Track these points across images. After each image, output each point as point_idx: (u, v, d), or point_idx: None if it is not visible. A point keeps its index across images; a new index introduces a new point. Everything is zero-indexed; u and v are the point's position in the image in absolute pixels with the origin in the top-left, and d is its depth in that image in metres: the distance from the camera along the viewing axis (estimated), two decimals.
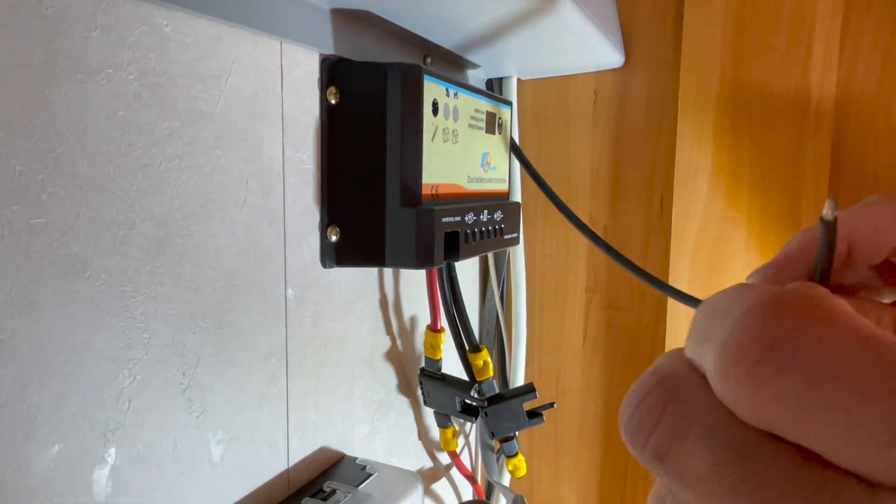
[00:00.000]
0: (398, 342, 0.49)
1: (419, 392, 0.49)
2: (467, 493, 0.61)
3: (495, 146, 0.48)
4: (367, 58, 0.39)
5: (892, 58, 0.47)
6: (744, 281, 0.18)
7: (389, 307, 0.47)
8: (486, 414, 0.45)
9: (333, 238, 0.38)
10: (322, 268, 0.39)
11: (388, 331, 0.47)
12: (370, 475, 0.39)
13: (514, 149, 0.51)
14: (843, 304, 0.12)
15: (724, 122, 0.52)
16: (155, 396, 0.28)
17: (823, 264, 0.20)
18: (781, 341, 0.11)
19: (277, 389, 0.36)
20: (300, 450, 0.38)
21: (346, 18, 0.38)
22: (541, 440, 0.66)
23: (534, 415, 0.46)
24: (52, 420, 0.24)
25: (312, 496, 0.37)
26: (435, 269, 0.45)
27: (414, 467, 0.53)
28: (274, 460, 0.36)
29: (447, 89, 0.39)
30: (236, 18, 0.30)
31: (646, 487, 0.61)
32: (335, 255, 0.38)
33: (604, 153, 0.60)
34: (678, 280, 0.55)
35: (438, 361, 0.47)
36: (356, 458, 0.42)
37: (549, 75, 0.61)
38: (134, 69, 0.26)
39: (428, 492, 0.56)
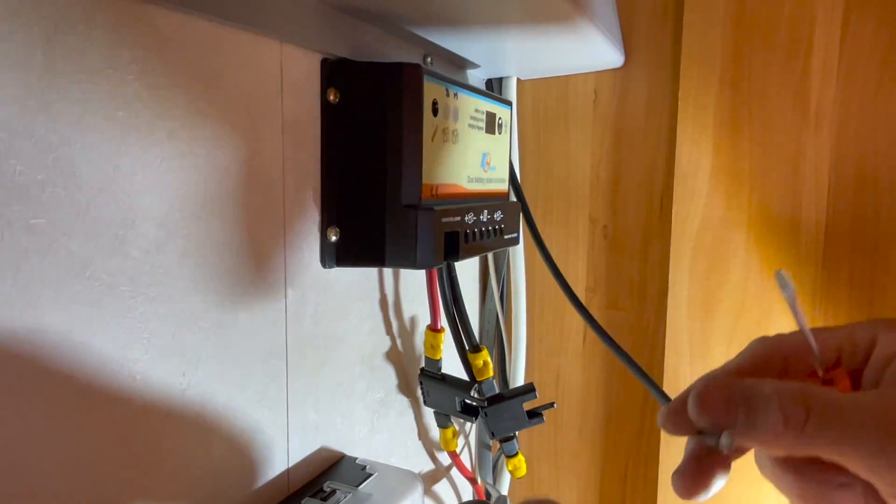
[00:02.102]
0: (398, 342, 0.49)
1: (419, 392, 0.49)
2: (467, 493, 0.61)
3: (495, 146, 0.48)
4: (367, 58, 0.39)
5: (892, 57, 0.47)
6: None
7: (389, 307, 0.47)
8: (486, 414, 0.45)
9: (333, 238, 0.38)
10: (322, 268, 0.39)
11: (388, 331, 0.47)
12: (370, 475, 0.39)
13: (512, 179, 0.51)
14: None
15: (723, 121, 0.52)
16: (155, 396, 0.28)
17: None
18: None
19: (277, 389, 0.36)
20: (300, 450, 0.38)
21: (346, 18, 0.38)
22: (541, 440, 0.66)
23: (534, 415, 0.46)
24: None
25: (312, 496, 0.37)
26: (435, 269, 0.45)
27: (414, 467, 0.53)
28: (274, 460, 0.36)
29: (447, 89, 0.39)
30: (236, 18, 0.30)
31: (646, 487, 0.61)
32: (335, 255, 0.38)
33: (604, 153, 0.60)
34: (678, 280, 0.55)
35: (438, 361, 0.47)
36: (356, 458, 0.42)
37: (549, 75, 0.61)
38: (134, 69, 0.26)
39: (428, 492, 0.56)
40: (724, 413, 0.22)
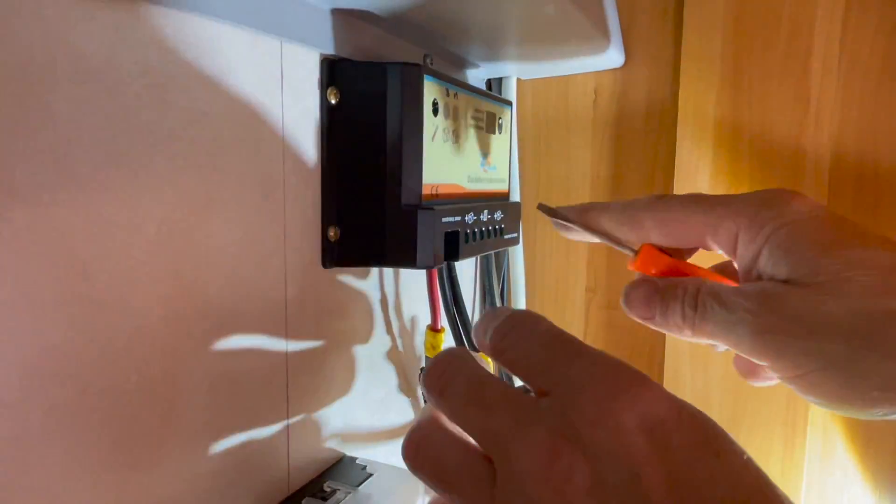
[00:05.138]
0: (398, 342, 0.49)
1: (419, 392, 0.49)
2: None
3: (495, 146, 0.48)
4: (367, 58, 0.39)
5: (892, 57, 0.47)
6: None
7: (389, 307, 0.47)
8: None
9: (333, 238, 0.38)
10: (322, 268, 0.39)
11: (388, 331, 0.47)
12: (370, 475, 0.39)
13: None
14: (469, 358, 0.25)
15: (723, 121, 0.52)
16: (154, 397, 0.28)
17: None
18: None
19: (277, 389, 0.36)
20: (300, 450, 0.38)
21: (346, 18, 0.38)
22: None
23: None
24: None
25: (312, 496, 0.37)
26: (435, 269, 0.45)
27: None
28: (274, 460, 0.36)
29: (447, 89, 0.39)
30: (236, 18, 0.30)
31: None
32: (335, 255, 0.38)
33: (604, 153, 0.60)
34: None
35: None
36: (356, 458, 0.42)
37: (549, 75, 0.61)
38: (134, 69, 0.26)
39: (428, 492, 0.56)
40: (646, 310, 0.28)
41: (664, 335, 0.56)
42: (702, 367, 0.55)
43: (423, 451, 0.23)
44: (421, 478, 0.23)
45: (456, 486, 0.21)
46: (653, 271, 0.29)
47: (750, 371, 0.30)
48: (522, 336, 0.23)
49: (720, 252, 0.27)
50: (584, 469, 0.18)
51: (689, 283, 0.26)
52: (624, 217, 0.28)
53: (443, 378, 0.24)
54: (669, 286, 0.27)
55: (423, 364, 0.50)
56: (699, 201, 0.27)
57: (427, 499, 0.55)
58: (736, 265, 0.26)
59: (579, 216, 0.29)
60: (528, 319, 0.24)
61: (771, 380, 0.29)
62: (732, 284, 0.26)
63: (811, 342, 0.22)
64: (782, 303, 0.23)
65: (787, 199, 0.25)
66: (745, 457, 0.19)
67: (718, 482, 0.18)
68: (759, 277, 0.25)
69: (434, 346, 0.47)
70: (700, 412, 0.20)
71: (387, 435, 0.48)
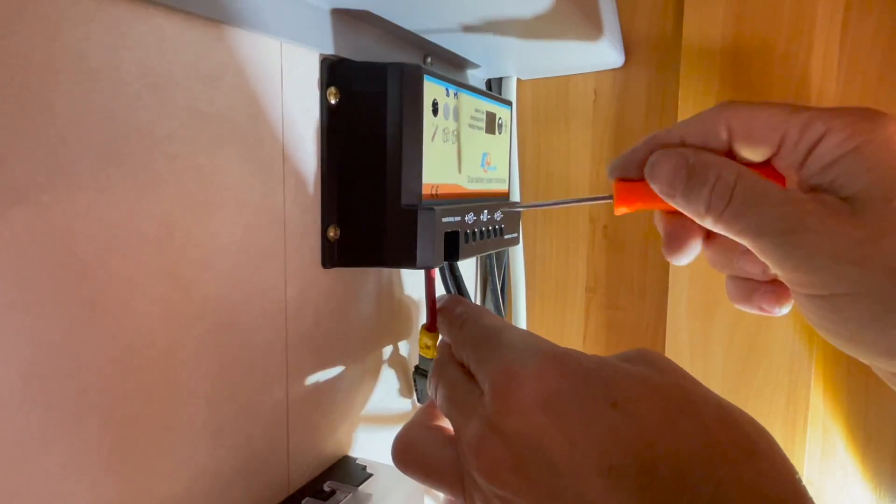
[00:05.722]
0: (398, 342, 0.49)
1: (415, 391, 0.49)
2: None
3: (495, 146, 0.48)
4: (367, 58, 0.39)
5: (892, 57, 0.47)
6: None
7: (389, 307, 0.47)
8: None
9: (333, 238, 0.38)
10: (322, 268, 0.39)
11: (389, 331, 0.47)
12: (370, 475, 0.39)
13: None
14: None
15: None
16: (154, 397, 0.28)
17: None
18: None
19: (278, 389, 0.36)
20: (300, 450, 0.38)
21: (346, 18, 0.38)
22: None
23: None
24: None
25: (312, 496, 0.37)
26: (434, 270, 0.45)
27: None
28: (274, 460, 0.36)
29: (447, 89, 0.39)
30: (236, 19, 0.30)
31: None
32: (335, 255, 0.38)
33: (604, 153, 0.60)
34: (678, 280, 0.55)
35: (432, 360, 0.47)
36: (356, 458, 0.42)
37: (549, 75, 0.61)
38: (134, 69, 0.26)
39: (427, 491, 0.56)
40: (668, 185, 0.25)
41: (664, 334, 0.56)
42: (702, 366, 0.55)
43: (409, 451, 0.26)
44: (408, 475, 0.25)
45: (437, 481, 0.24)
46: (638, 204, 0.27)
47: (750, 300, 0.28)
48: (466, 338, 0.27)
49: (789, 156, 0.25)
50: (505, 453, 0.21)
51: (724, 170, 0.24)
52: (701, 120, 0.27)
53: (433, 381, 0.28)
54: (702, 165, 0.25)
55: (417, 363, 0.50)
56: (784, 104, 0.25)
57: (430, 500, 0.55)
58: (805, 168, 0.25)
59: (636, 150, 0.28)
60: (469, 320, 0.28)
61: (786, 308, 0.28)
62: (772, 181, 0.24)
63: (852, 267, 0.21)
64: (841, 225, 0.22)
65: (890, 119, 0.24)
66: (652, 400, 0.20)
67: (618, 431, 0.19)
68: (823, 185, 0.23)
69: (428, 346, 0.47)
70: (601, 366, 0.22)
71: (387, 435, 0.48)
